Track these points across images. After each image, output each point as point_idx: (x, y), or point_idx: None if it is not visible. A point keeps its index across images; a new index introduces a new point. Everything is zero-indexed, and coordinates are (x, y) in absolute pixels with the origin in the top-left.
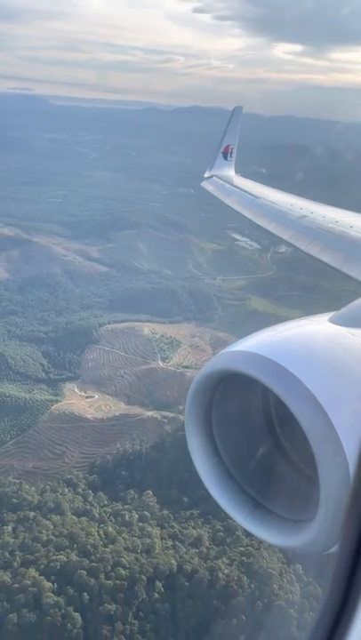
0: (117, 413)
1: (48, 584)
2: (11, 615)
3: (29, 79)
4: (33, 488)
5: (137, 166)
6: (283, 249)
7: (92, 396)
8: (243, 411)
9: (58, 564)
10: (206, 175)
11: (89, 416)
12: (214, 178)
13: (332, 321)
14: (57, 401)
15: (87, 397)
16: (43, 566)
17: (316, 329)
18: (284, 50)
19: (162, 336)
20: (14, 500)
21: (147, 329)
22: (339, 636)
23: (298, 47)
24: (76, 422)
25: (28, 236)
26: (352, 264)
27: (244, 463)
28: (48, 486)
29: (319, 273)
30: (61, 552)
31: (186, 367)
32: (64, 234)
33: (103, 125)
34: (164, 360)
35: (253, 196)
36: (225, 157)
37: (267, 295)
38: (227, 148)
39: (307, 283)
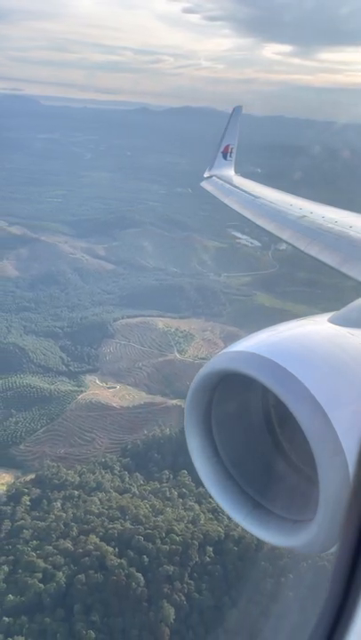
0: (142, 402)
1: (110, 548)
2: (79, 576)
3: (19, 79)
4: (70, 471)
5: (133, 166)
6: (283, 246)
7: (114, 387)
8: (242, 411)
9: (115, 531)
10: (206, 175)
11: (115, 404)
12: (214, 178)
13: (331, 321)
14: (81, 391)
15: (109, 388)
16: (101, 534)
17: (316, 329)
18: (273, 50)
19: (176, 330)
20: (55, 482)
21: (161, 323)
22: (339, 635)
23: (287, 48)
24: (102, 410)
25: (34, 234)
26: (351, 264)
27: (244, 463)
28: (85, 469)
29: (320, 270)
30: (116, 522)
31: (202, 359)
32: (69, 232)
33: (96, 125)
34: (180, 352)
35: (253, 195)
36: (224, 157)
37: (271, 291)
38: (226, 147)
39: (309, 279)
